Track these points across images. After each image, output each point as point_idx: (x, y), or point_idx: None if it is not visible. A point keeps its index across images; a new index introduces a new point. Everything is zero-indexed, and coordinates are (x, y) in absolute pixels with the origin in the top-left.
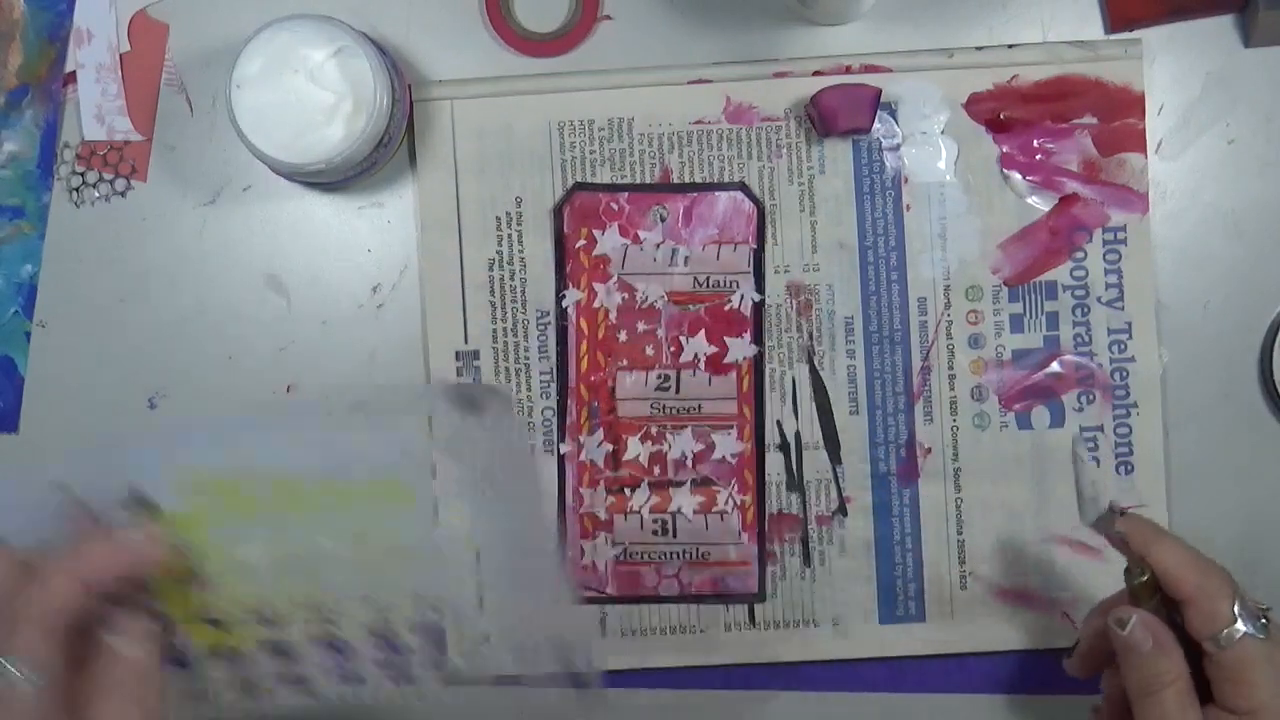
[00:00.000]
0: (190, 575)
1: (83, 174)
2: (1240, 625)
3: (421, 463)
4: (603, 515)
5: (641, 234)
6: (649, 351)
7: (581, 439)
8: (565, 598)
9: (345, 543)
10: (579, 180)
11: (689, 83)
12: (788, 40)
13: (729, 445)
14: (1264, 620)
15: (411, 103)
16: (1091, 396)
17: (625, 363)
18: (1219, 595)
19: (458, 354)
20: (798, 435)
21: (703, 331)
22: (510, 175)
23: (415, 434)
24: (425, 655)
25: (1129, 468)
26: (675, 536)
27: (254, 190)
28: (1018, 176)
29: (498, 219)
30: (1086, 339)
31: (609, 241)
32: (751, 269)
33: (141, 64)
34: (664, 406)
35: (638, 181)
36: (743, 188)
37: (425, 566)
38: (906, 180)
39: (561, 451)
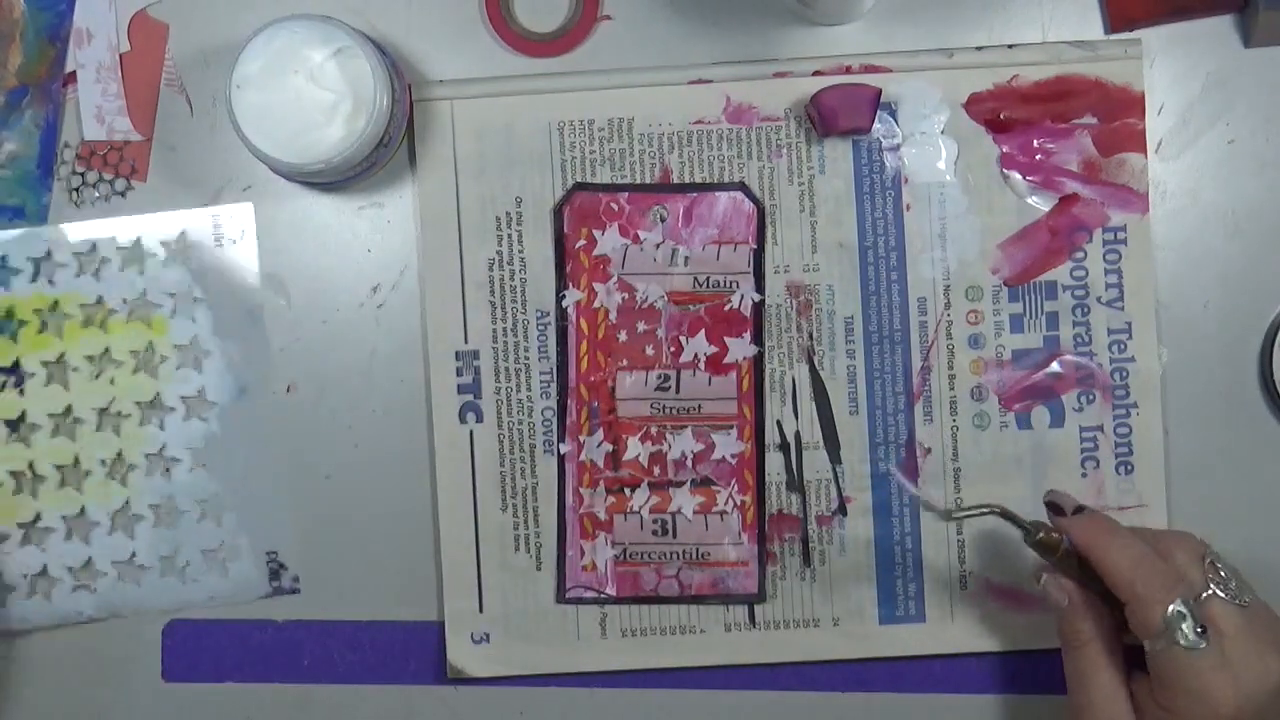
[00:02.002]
0: None
1: (83, 174)
2: (1170, 635)
3: None
4: (603, 515)
5: (641, 234)
6: (649, 351)
7: (581, 439)
8: None
9: None
10: (579, 180)
11: (689, 83)
12: (788, 40)
13: (729, 445)
14: (1200, 630)
15: (411, 103)
16: (1091, 396)
17: (625, 363)
18: (1152, 602)
19: (458, 354)
20: (798, 435)
21: (703, 331)
22: (510, 175)
23: None
24: None
25: (1129, 468)
26: (675, 536)
27: (254, 190)
28: (1018, 176)
29: (498, 219)
30: (1086, 339)
31: (609, 241)
32: (751, 269)
33: (141, 64)
34: (664, 406)
35: (638, 181)
36: (743, 188)
37: None
38: (906, 180)
39: (561, 451)
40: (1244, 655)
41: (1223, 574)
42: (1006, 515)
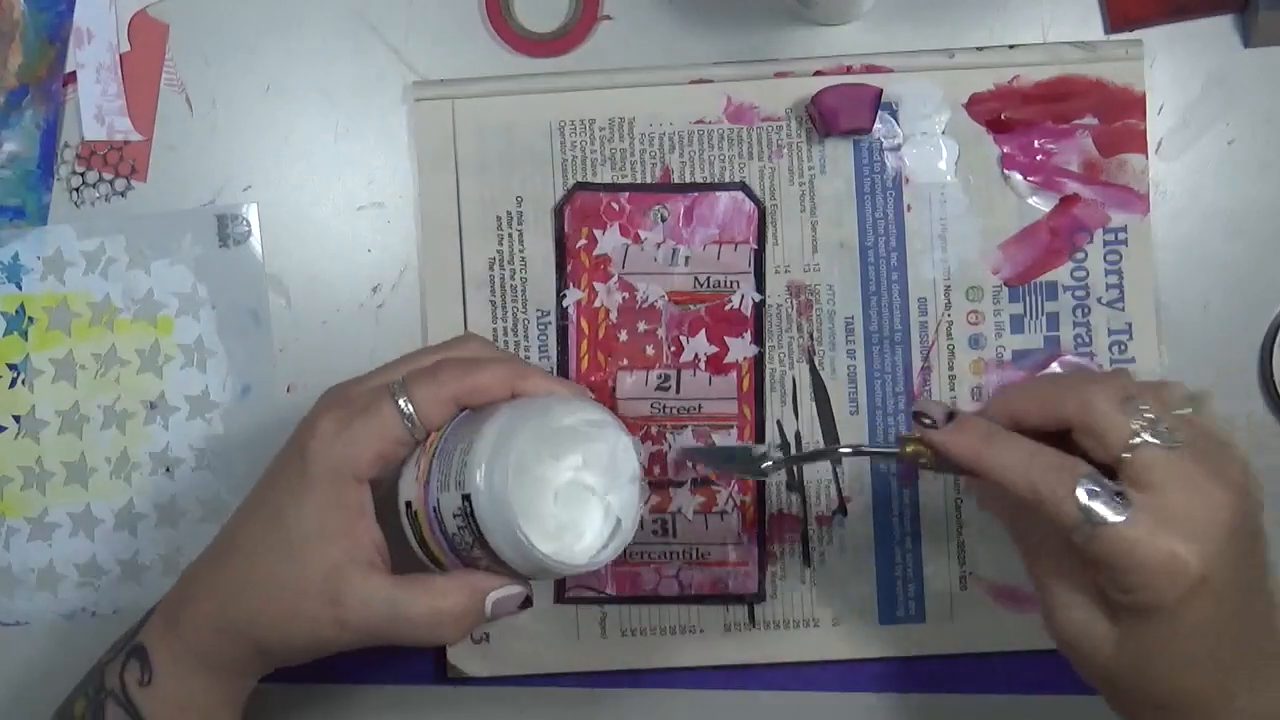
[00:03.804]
0: None
1: (83, 174)
2: (1091, 516)
3: None
4: None
5: (642, 234)
6: (649, 351)
7: None
8: None
9: None
10: (580, 180)
11: (690, 83)
12: (788, 40)
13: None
14: (1119, 497)
15: None
16: None
17: (626, 362)
18: (1057, 495)
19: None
20: (798, 435)
21: (703, 331)
22: (511, 175)
23: None
24: None
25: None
26: (675, 536)
27: (254, 190)
28: (1018, 177)
29: (498, 219)
30: (1087, 339)
31: (609, 241)
32: (752, 269)
33: (141, 64)
34: (664, 406)
35: (638, 181)
36: (743, 188)
37: None
38: (907, 180)
39: None
40: (1184, 502)
41: (1148, 415)
42: (860, 452)
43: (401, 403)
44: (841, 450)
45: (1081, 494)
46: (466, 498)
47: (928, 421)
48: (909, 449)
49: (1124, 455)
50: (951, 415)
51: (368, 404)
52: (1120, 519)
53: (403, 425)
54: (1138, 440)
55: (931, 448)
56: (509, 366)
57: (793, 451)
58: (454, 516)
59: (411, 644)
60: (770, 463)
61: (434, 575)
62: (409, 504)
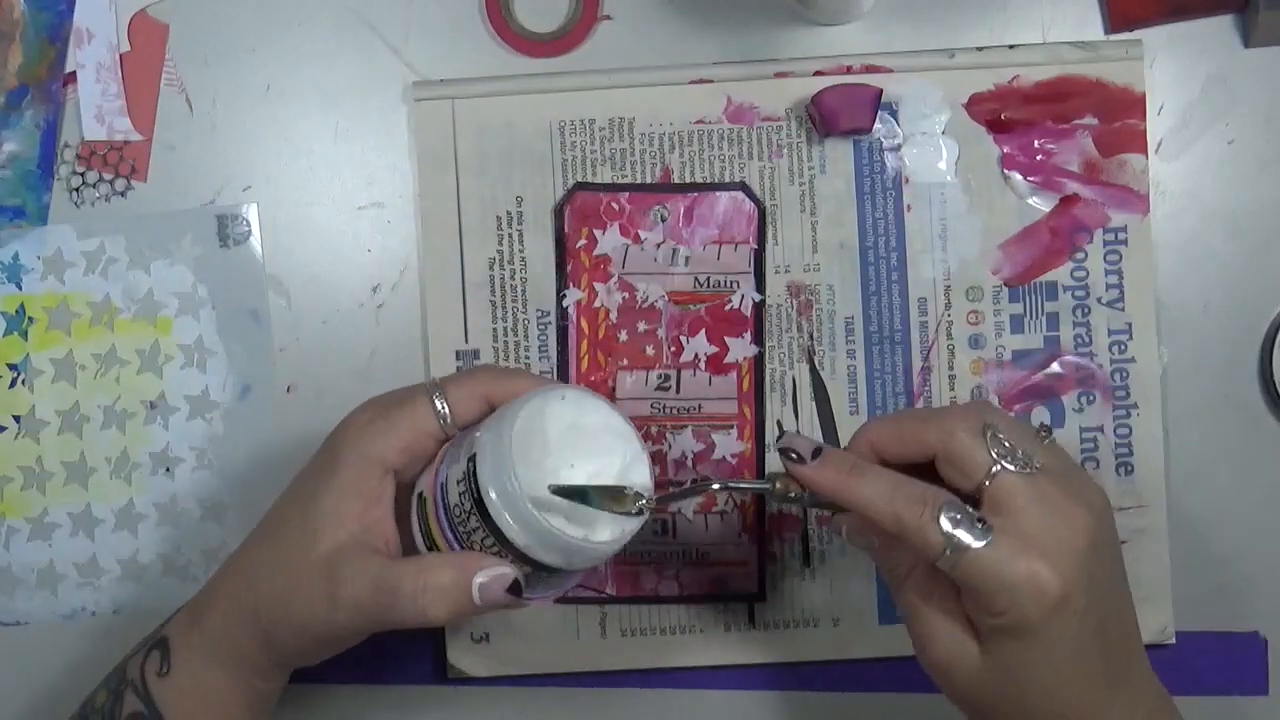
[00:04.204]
0: None
1: (83, 174)
2: (954, 543)
3: None
4: None
5: (642, 234)
6: (649, 351)
7: None
8: None
9: None
10: (580, 180)
11: (689, 83)
12: (788, 40)
13: (729, 445)
14: (980, 523)
15: None
16: (1092, 397)
17: (626, 362)
18: (921, 524)
19: (458, 353)
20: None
21: (703, 331)
22: (511, 175)
23: None
24: None
25: (1129, 468)
26: (675, 536)
27: (254, 190)
28: (1018, 177)
29: (498, 218)
30: (1087, 339)
31: (610, 241)
32: (752, 269)
33: (141, 64)
34: (664, 406)
35: (638, 181)
36: (743, 188)
37: None
38: (907, 180)
39: None
40: (1044, 524)
41: (1006, 444)
42: (729, 487)
43: (435, 396)
44: (713, 486)
45: (945, 522)
46: (471, 459)
47: (794, 456)
48: (778, 485)
49: (985, 483)
50: (818, 451)
51: (403, 398)
52: (982, 544)
53: (435, 418)
54: (997, 468)
55: (798, 482)
56: (543, 380)
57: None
58: (457, 484)
59: (400, 623)
60: (644, 501)
61: (427, 554)
62: (420, 494)
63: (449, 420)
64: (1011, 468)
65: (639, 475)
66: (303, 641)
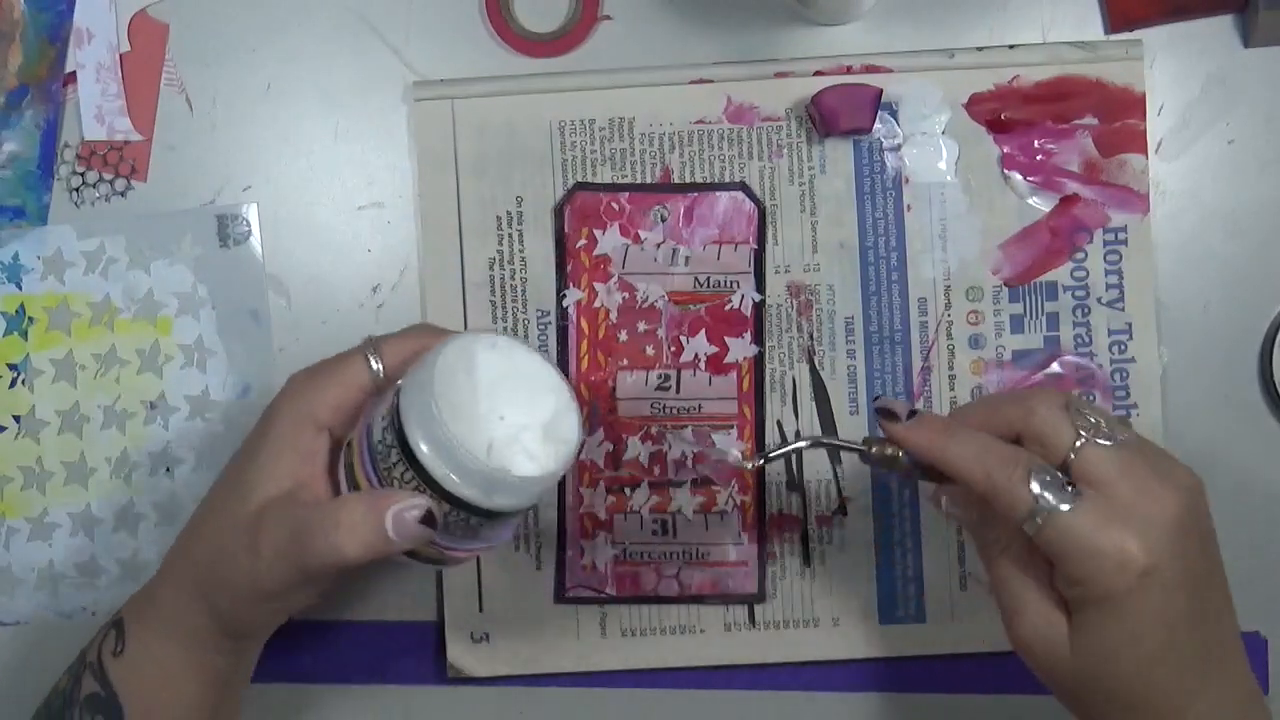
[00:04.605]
0: None
1: (83, 174)
2: (1042, 505)
3: None
4: (603, 515)
5: (642, 234)
6: (649, 351)
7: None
8: None
9: None
10: (580, 180)
11: (689, 83)
12: (788, 40)
13: (729, 445)
14: (1070, 487)
15: None
16: (1092, 397)
17: (626, 362)
18: (1012, 483)
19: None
20: (798, 435)
21: (703, 331)
22: (511, 174)
23: None
24: None
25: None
26: (675, 536)
27: (254, 190)
28: (1018, 177)
29: (498, 218)
30: (1087, 339)
31: (610, 241)
32: (752, 269)
33: (141, 64)
34: (664, 406)
35: (638, 181)
36: (743, 188)
37: None
38: (907, 180)
39: None
40: (1132, 495)
41: (1091, 419)
42: (825, 444)
43: (369, 353)
44: (805, 444)
45: (1034, 484)
46: (396, 392)
47: (891, 416)
48: (874, 448)
49: (1070, 455)
50: (913, 412)
51: (339, 357)
52: (1068, 508)
53: (368, 371)
54: (1082, 441)
55: (894, 441)
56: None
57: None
58: (381, 419)
59: (320, 565)
60: (757, 462)
61: (344, 495)
62: (348, 443)
63: (381, 375)
64: (1099, 441)
65: (568, 425)
66: (237, 602)
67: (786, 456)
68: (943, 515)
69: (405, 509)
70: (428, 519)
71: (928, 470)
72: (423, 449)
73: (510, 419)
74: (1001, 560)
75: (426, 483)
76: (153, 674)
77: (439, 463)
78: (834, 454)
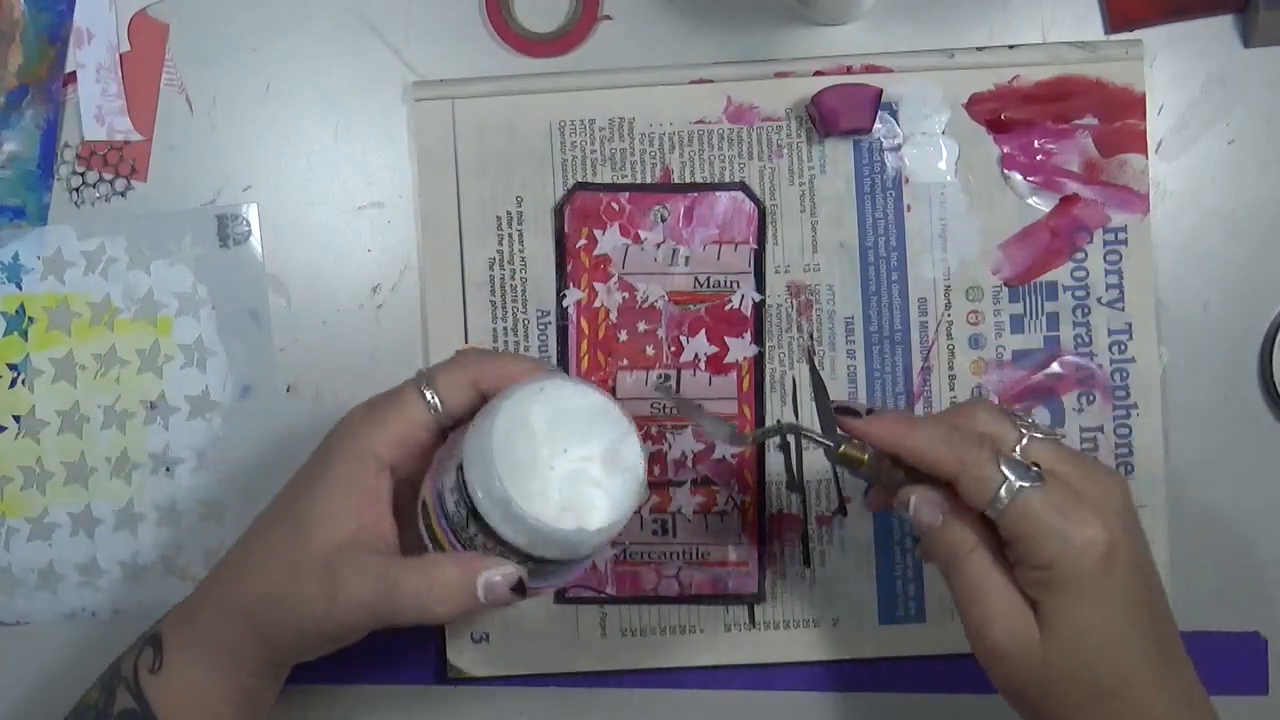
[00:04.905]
0: None
1: (83, 174)
2: (1009, 484)
3: None
4: None
5: (642, 234)
6: (649, 351)
7: None
8: None
9: None
10: (580, 180)
11: (689, 83)
12: (788, 40)
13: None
14: (1034, 468)
15: None
16: (1091, 397)
17: (626, 362)
18: (979, 462)
19: (458, 354)
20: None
21: (703, 331)
22: (511, 174)
23: None
24: None
25: (1129, 468)
26: (675, 536)
27: (254, 190)
28: (1018, 177)
29: (498, 218)
30: (1087, 339)
31: (610, 241)
32: (752, 269)
33: (141, 64)
34: (664, 406)
35: (638, 181)
36: (743, 188)
37: None
38: (907, 180)
39: None
40: (1083, 481)
41: (1027, 419)
42: (800, 431)
43: (424, 386)
44: (784, 431)
45: (1002, 461)
46: (460, 466)
47: (850, 414)
48: (843, 446)
49: (1017, 450)
50: (870, 411)
51: (393, 392)
52: (1036, 485)
53: (424, 406)
54: (1025, 437)
55: (857, 435)
56: (533, 361)
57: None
58: (451, 491)
59: (403, 621)
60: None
61: (431, 554)
62: (423, 502)
63: (440, 409)
64: (1040, 435)
65: (630, 451)
66: (302, 640)
67: (785, 450)
68: (909, 518)
69: (499, 578)
70: (519, 587)
71: (892, 468)
72: (499, 523)
73: (573, 453)
74: (968, 562)
75: (507, 548)
76: (191, 694)
77: (518, 535)
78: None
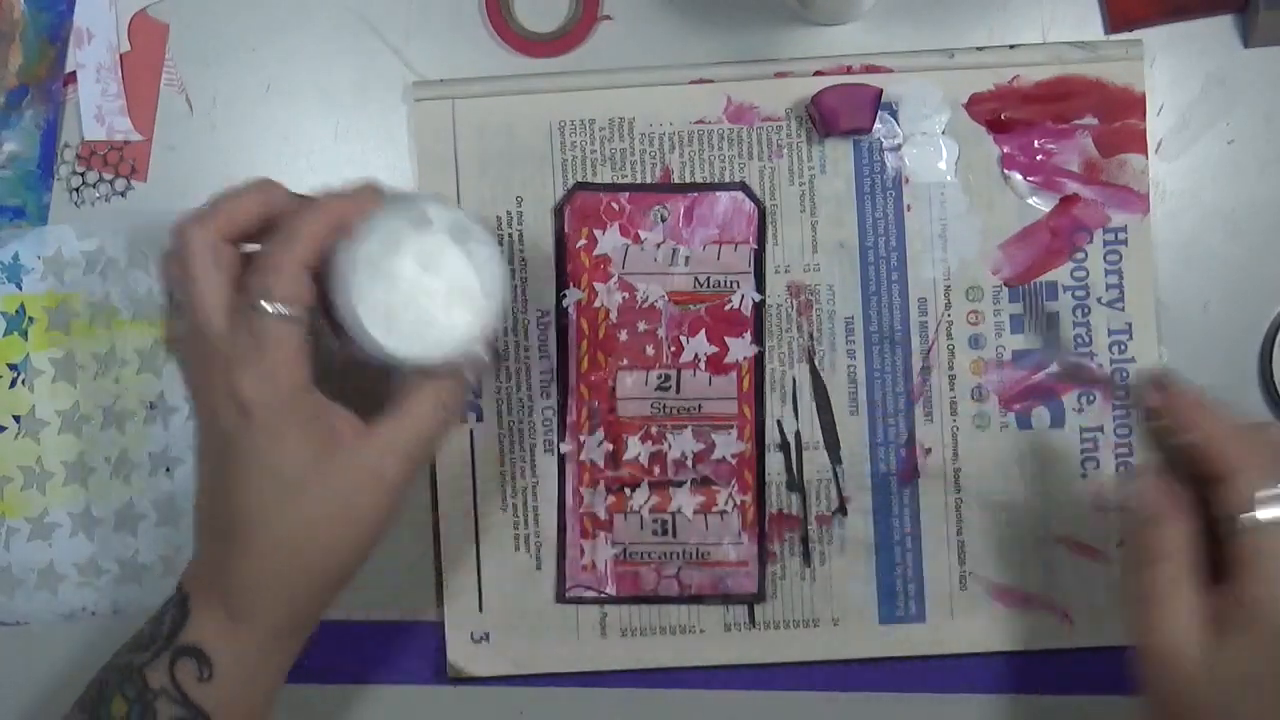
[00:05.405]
0: None
1: (83, 174)
2: (1268, 511)
3: None
4: (603, 515)
5: (642, 234)
6: (649, 351)
7: (582, 438)
8: None
9: None
10: (580, 180)
11: (689, 83)
12: (788, 40)
13: (729, 445)
14: None
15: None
16: (1091, 397)
17: (626, 362)
18: (1250, 471)
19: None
20: (798, 435)
21: (703, 331)
22: (511, 174)
23: None
24: None
25: (1129, 468)
26: (675, 536)
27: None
28: (1018, 177)
29: (498, 218)
30: (1087, 339)
31: (610, 241)
32: (752, 269)
33: (141, 64)
34: (664, 406)
35: (638, 181)
36: (743, 188)
37: None
38: (907, 180)
39: (562, 451)
40: None
41: None
42: (1072, 361)
43: (272, 313)
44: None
45: (1273, 484)
46: (328, 291)
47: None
48: (1150, 419)
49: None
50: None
51: (251, 340)
52: None
53: (290, 330)
54: (1263, 512)
55: (1157, 407)
56: (349, 199)
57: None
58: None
59: (435, 449)
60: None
61: (396, 394)
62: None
63: (295, 312)
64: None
65: (486, 265)
66: (359, 557)
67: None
68: (1132, 493)
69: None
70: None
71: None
72: (366, 343)
73: (428, 272)
74: (1168, 563)
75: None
76: (251, 694)
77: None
78: (834, 451)
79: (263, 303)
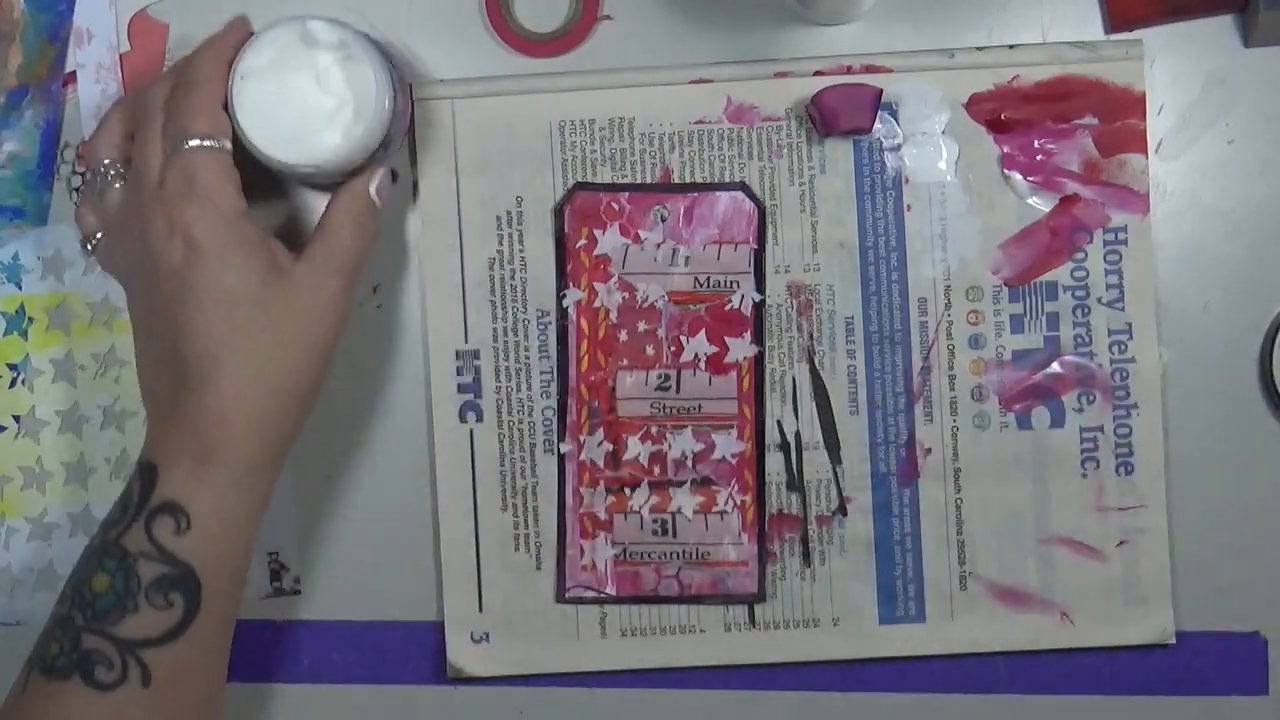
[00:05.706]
0: None
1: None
2: None
3: None
4: (603, 515)
5: (642, 234)
6: (649, 351)
7: (582, 438)
8: None
9: None
10: (580, 180)
11: (689, 83)
12: (788, 40)
13: (729, 445)
14: None
15: (413, 110)
16: (1092, 397)
17: (626, 362)
18: None
19: (458, 353)
20: (798, 435)
21: (703, 331)
22: (511, 174)
23: None
24: None
25: (1129, 468)
26: (675, 536)
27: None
28: (1018, 177)
29: (498, 218)
30: (1087, 339)
31: (610, 241)
32: (752, 269)
33: (141, 64)
34: (664, 406)
35: (638, 181)
36: (743, 188)
37: None
38: (907, 180)
39: (561, 451)
40: None
41: None
42: None
43: (198, 145)
44: None
45: None
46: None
47: None
48: None
49: None
50: None
51: (185, 176)
52: None
53: (218, 158)
54: None
55: None
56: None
57: None
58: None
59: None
60: None
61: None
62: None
63: (224, 138)
64: None
65: (361, 78)
66: (321, 372)
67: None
68: None
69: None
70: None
71: None
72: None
73: (307, 84)
74: None
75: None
76: (229, 535)
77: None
78: (834, 451)
79: (188, 142)
